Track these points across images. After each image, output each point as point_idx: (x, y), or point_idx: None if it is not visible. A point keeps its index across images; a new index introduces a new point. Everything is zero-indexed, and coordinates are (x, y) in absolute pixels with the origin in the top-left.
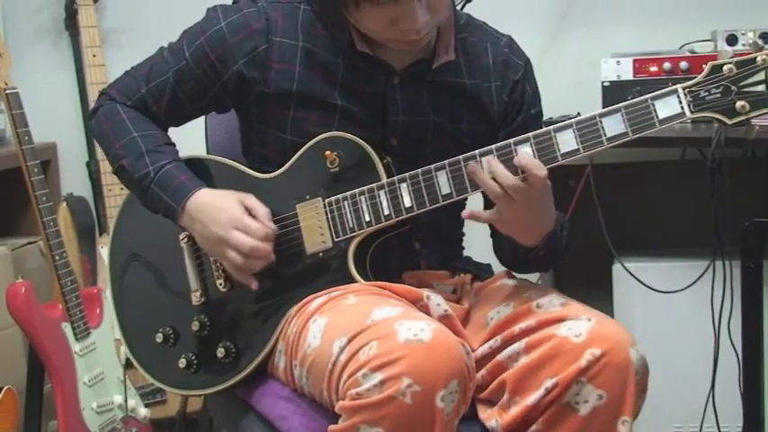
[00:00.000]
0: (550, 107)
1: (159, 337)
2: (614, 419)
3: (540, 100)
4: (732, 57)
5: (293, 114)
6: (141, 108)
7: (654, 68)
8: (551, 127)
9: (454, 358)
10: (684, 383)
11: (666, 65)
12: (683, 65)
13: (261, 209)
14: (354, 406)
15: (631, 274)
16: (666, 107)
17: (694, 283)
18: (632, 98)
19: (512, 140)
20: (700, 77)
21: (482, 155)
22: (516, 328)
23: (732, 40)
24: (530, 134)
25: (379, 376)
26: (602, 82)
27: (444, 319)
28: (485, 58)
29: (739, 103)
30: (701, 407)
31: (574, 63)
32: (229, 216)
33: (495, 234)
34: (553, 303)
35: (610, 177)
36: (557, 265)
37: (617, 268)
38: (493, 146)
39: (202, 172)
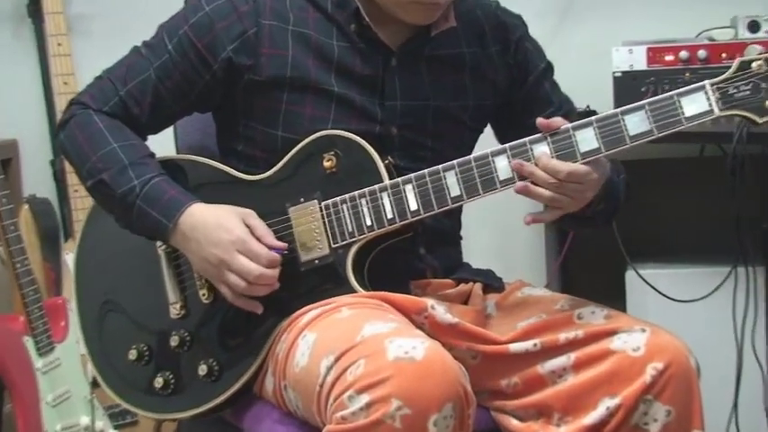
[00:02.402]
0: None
1: (132, 354)
2: None
3: (544, 53)
4: (761, 53)
5: (286, 107)
6: (120, 114)
7: (669, 57)
8: (570, 124)
9: (449, 379)
10: (705, 401)
11: (683, 54)
12: (702, 53)
13: (265, 229)
14: (340, 431)
15: (646, 282)
16: (693, 104)
17: (715, 291)
18: (646, 90)
19: (526, 139)
20: (728, 74)
21: (495, 154)
22: (561, 338)
23: (754, 26)
24: (546, 133)
25: (365, 398)
26: (614, 72)
27: (452, 329)
28: (478, 23)
29: None
30: (722, 426)
31: (582, 52)
32: (232, 237)
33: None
34: (596, 314)
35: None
36: (616, 216)
37: (630, 275)
38: (506, 145)
39: (180, 175)
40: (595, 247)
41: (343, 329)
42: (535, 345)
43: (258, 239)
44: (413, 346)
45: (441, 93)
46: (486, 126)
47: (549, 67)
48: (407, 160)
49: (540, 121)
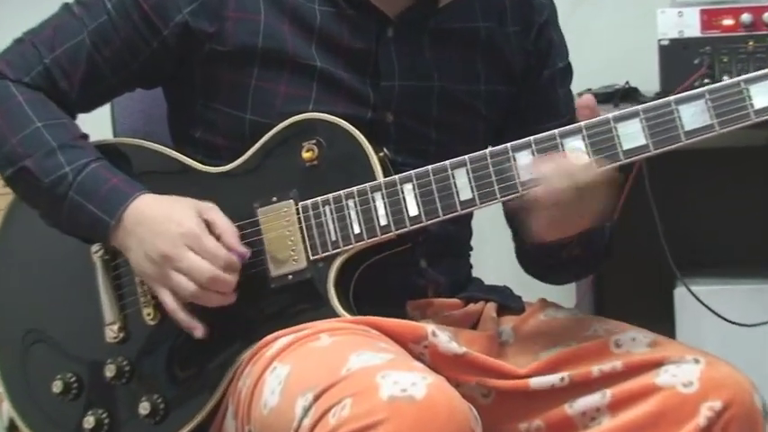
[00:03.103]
0: (590, 75)
1: (57, 387)
2: None
3: (568, 51)
4: None
5: (256, 84)
6: (44, 86)
7: (728, 22)
8: (610, 115)
9: (457, 423)
10: None
11: (745, 17)
12: None
13: (226, 226)
14: None
15: (699, 301)
16: (764, 94)
17: None
18: (700, 63)
19: (556, 131)
20: None
21: (516, 149)
22: (594, 370)
23: None
24: (582, 123)
25: None
26: (659, 40)
27: (459, 361)
28: None
29: None
30: None
31: (621, 16)
32: (182, 230)
33: (516, 229)
34: (638, 341)
35: (670, 170)
36: (595, 272)
37: (680, 293)
38: (531, 137)
39: (121, 164)
40: (636, 259)
41: (323, 361)
42: (562, 379)
43: (217, 238)
44: (412, 382)
45: (447, 73)
46: (503, 119)
47: (569, 71)
48: (406, 155)
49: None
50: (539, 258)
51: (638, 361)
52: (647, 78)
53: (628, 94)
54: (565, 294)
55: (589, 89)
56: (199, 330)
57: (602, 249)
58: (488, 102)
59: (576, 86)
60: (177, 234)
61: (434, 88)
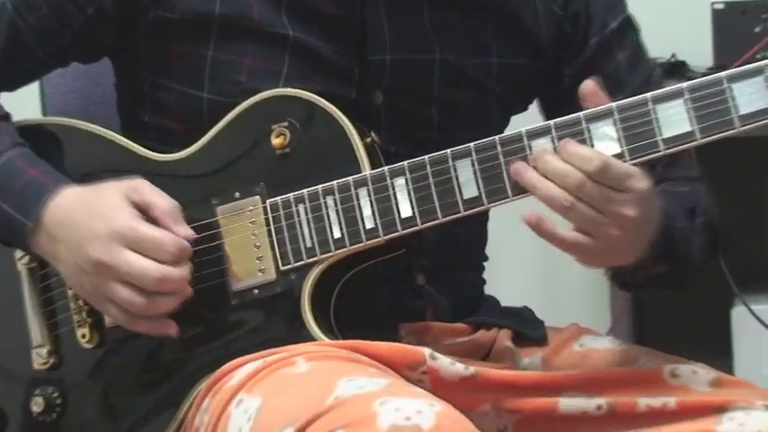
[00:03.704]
0: None
1: None
2: None
3: (624, 3)
4: None
5: (214, 56)
6: None
7: None
8: (648, 94)
9: None
10: None
11: None
12: None
13: (163, 204)
14: None
15: (761, 322)
16: None
17: None
18: (762, 30)
19: (581, 114)
20: None
21: (532, 135)
22: (641, 403)
23: None
24: (612, 104)
25: None
26: (713, 4)
27: (467, 385)
28: None
29: None
30: None
31: None
32: (113, 226)
33: None
34: (699, 376)
35: (725, 163)
36: (697, 275)
37: (739, 312)
38: (551, 121)
39: (51, 150)
40: None
41: (303, 389)
42: (599, 407)
43: (155, 222)
44: (417, 409)
45: (451, 43)
46: (526, 101)
47: (628, 26)
48: (401, 144)
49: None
50: (621, 283)
51: (696, 401)
52: (698, 50)
53: (674, 70)
54: (596, 315)
55: None
56: (173, 328)
57: (691, 251)
58: (502, 78)
59: None
60: (107, 233)
61: (436, 62)
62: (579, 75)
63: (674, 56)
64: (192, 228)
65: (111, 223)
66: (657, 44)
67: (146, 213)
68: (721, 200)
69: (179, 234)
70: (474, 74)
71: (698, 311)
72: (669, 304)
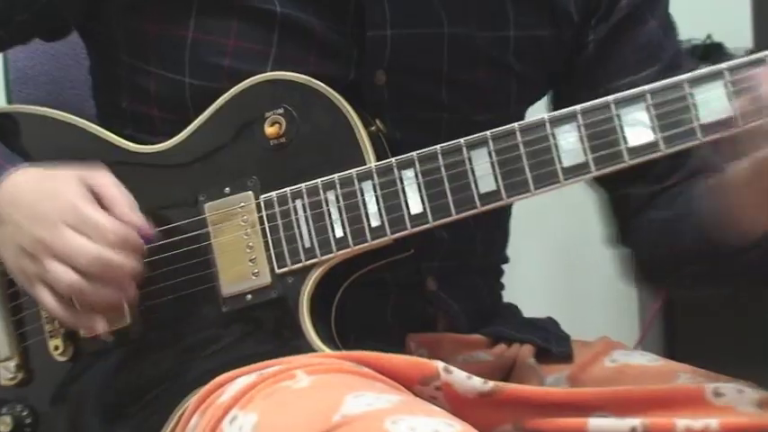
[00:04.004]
0: None
1: None
2: None
3: None
4: None
5: (194, 36)
6: None
7: None
8: (684, 75)
9: None
10: None
11: None
12: None
13: (118, 193)
14: None
15: None
16: None
17: None
18: None
19: (610, 98)
20: None
21: (555, 122)
22: (680, 425)
23: None
24: (645, 87)
25: None
26: None
27: (486, 402)
28: None
29: None
30: None
31: None
32: (58, 204)
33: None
34: (745, 396)
35: None
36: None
37: None
38: (577, 106)
39: (15, 141)
40: None
41: (305, 405)
42: (633, 429)
43: (107, 211)
44: (433, 429)
45: (461, 15)
46: (550, 82)
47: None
48: (407, 129)
49: None
50: (699, 262)
51: (741, 424)
52: (736, 31)
53: (709, 52)
54: (623, 325)
55: None
56: (100, 324)
57: None
58: (522, 53)
59: None
60: (55, 211)
61: (444, 36)
62: (606, 42)
63: (709, 37)
64: (177, 227)
65: (56, 202)
66: (691, 25)
67: (99, 201)
68: None
69: (130, 221)
70: (489, 49)
71: (735, 321)
72: (703, 313)
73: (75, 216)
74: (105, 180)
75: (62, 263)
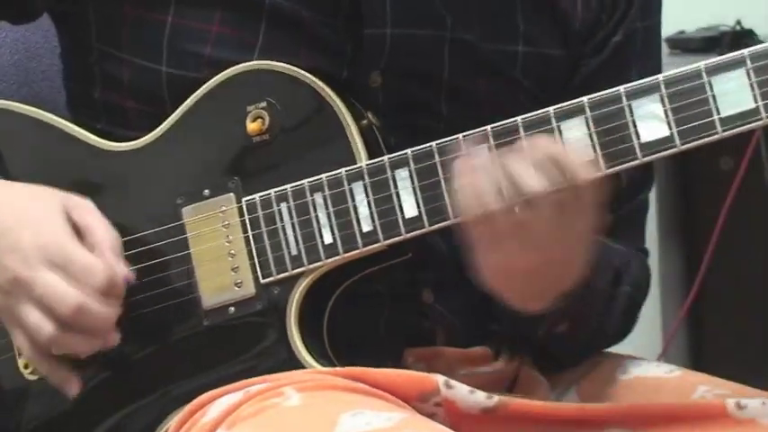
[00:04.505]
0: (687, 13)
1: None
2: None
3: (660, 5)
4: None
5: (174, 21)
6: None
7: None
8: (701, 63)
9: None
10: None
11: None
12: None
13: (104, 233)
14: None
15: None
16: None
17: None
18: None
19: (621, 88)
20: None
21: (561, 116)
22: None
23: None
24: (659, 77)
25: None
26: None
27: (490, 418)
28: None
29: None
30: None
31: None
32: (41, 239)
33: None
34: (767, 407)
35: None
36: (603, 348)
37: None
38: (584, 98)
39: None
40: (752, 270)
41: (299, 425)
42: None
43: (90, 250)
44: None
45: (468, 21)
46: (553, 95)
47: (653, 31)
48: (402, 135)
49: None
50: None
51: None
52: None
53: (739, 39)
54: (646, 336)
55: (682, 32)
56: (73, 386)
57: (604, 321)
58: (530, 69)
59: (666, 28)
60: (32, 246)
61: (446, 40)
62: (591, 77)
63: (738, 23)
64: (154, 233)
65: (39, 237)
66: (720, 10)
67: (82, 237)
68: None
69: (116, 270)
70: (493, 60)
71: (765, 330)
72: (730, 322)
73: (58, 255)
74: (91, 214)
75: (40, 309)
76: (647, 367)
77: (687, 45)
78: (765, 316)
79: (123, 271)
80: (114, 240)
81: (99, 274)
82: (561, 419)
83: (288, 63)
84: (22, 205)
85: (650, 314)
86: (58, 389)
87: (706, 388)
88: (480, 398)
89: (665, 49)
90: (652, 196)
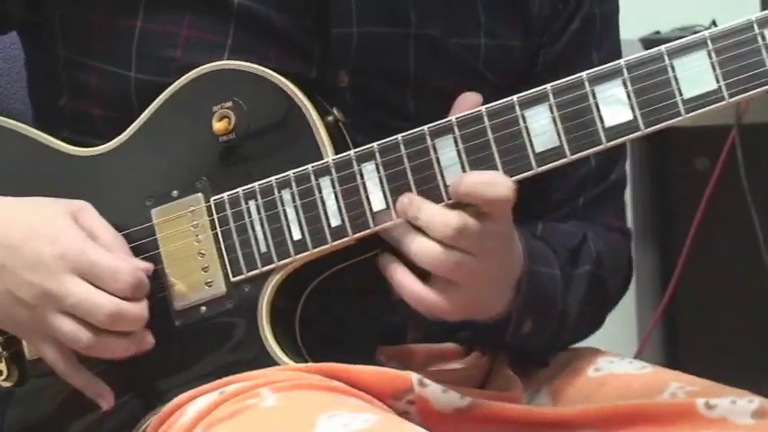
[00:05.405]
0: (660, 12)
1: None
2: None
3: None
4: None
5: (143, 26)
6: None
7: None
8: (663, 46)
9: None
10: None
11: None
12: None
13: (111, 235)
14: None
15: None
16: None
17: None
18: None
19: (584, 74)
20: None
21: (525, 104)
22: None
23: None
24: (621, 61)
25: None
26: None
27: (463, 418)
28: None
29: None
30: None
31: None
32: (62, 249)
33: None
34: (741, 407)
35: None
36: (577, 337)
37: None
38: (547, 85)
39: None
40: (732, 269)
41: (274, 427)
42: None
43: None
44: None
45: (432, 16)
46: (517, 86)
47: (611, 18)
48: (370, 134)
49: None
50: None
51: None
52: (743, 17)
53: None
54: (621, 336)
55: (657, 32)
56: (107, 399)
57: (570, 310)
58: (492, 61)
59: (640, 29)
60: (55, 258)
61: (411, 38)
62: (552, 66)
63: (713, 23)
64: (124, 236)
65: (58, 247)
66: (695, 11)
67: (93, 240)
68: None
69: (139, 267)
70: (459, 55)
71: (740, 329)
72: (705, 322)
73: (82, 263)
74: (95, 217)
75: (73, 319)
76: (620, 365)
77: (658, 40)
78: (740, 316)
79: (144, 266)
80: (121, 239)
81: (126, 275)
82: (532, 422)
83: (258, 64)
84: (26, 219)
85: (626, 314)
86: (94, 400)
87: (677, 385)
88: (453, 398)
89: (639, 49)
90: (628, 197)
